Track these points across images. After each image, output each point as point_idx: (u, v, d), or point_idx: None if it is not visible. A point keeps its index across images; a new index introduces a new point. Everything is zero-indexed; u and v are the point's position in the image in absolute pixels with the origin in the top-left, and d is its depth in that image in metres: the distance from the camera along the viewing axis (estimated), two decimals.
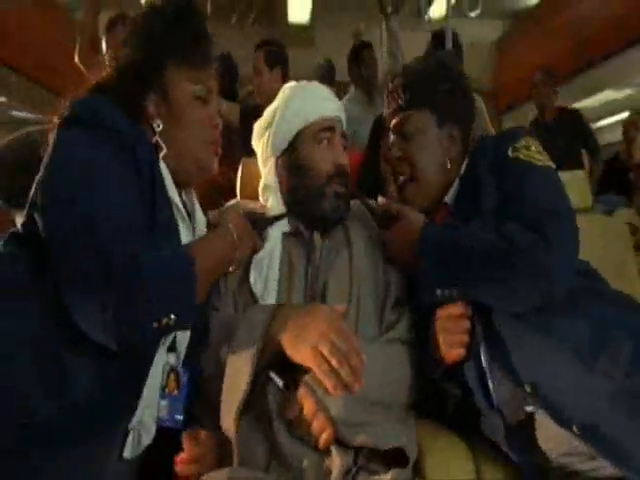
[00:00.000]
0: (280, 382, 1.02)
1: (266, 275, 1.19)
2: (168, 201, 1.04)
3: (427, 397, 1.16)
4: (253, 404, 1.02)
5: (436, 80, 1.28)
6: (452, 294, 1.08)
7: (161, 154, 1.05)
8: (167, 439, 1.03)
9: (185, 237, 1.07)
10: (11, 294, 0.93)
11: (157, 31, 1.05)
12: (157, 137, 1.05)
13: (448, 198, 1.26)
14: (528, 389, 1.03)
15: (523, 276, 1.04)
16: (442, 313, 1.09)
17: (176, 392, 1.03)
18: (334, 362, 0.94)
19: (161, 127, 1.05)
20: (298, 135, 1.29)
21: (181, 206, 1.08)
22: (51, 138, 0.98)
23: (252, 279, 1.18)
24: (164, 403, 1.02)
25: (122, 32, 1.18)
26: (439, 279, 1.08)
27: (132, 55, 1.05)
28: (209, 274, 1.03)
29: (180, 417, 1.03)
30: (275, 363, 1.02)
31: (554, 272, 1.05)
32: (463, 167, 1.29)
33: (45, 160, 0.96)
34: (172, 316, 0.89)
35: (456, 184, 1.27)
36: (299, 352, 0.97)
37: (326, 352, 0.94)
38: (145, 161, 0.98)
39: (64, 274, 0.89)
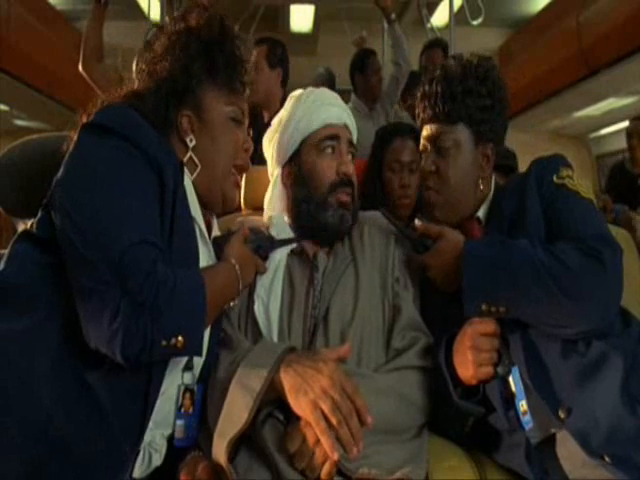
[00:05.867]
0: (281, 415, 0.99)
1: (267, 303, 1.16)
2: (190, 218, 1.03)
3: (442, 417, 1.14)
4: (252, 437, 0.99)
5: (478, 96, 1.23)
6: (499, 310, 1.05)
7: (197, 170, 1.05)
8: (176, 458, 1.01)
9: (204, 257, 1.06)
10: (24, 300, 0.92)
11: (195, 52, 1.06)
12: (191, 152, 1.05)
13: (481, 213, 1.25)
14: (562, 415, 1.01)
15: (579, 299, 1.01)
16: (472, 331, 1.06)
17: (191, 410, 1.02)
18: (333, 421, 0.90)
19: (194, 142, 1.06)
20: (302, 144, 1.27)
21: (203, 226, 1.07)
22: (72, 140, 0.97)
23: (256, 307, 1.16)
24: (180, 423, 1.01)
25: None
26: (485, 293, 1.06)
27: (170, 70, 1.05)
28: (214, 306, 1.01)
29: (196, 435, 1.03)
30: (276, 399, 0.99)
31: (609, 297, 1.03)
32: (492, 184, 1.27)
33: (66, 160, 0.95)
34: (180, 338, 0.88)
35: (488, 201, 1.25)
36: (299, 405, 0.93)
37: (326, 409, 0.91)
38: (169, 177, 0.97)
39: (77, 280, 0.89)
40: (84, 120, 0.99)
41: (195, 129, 1.06)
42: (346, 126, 1.28)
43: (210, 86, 1.07)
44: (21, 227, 1.29)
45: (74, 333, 0.89)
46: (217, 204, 1.13)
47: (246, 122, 1.14)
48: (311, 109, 1.28)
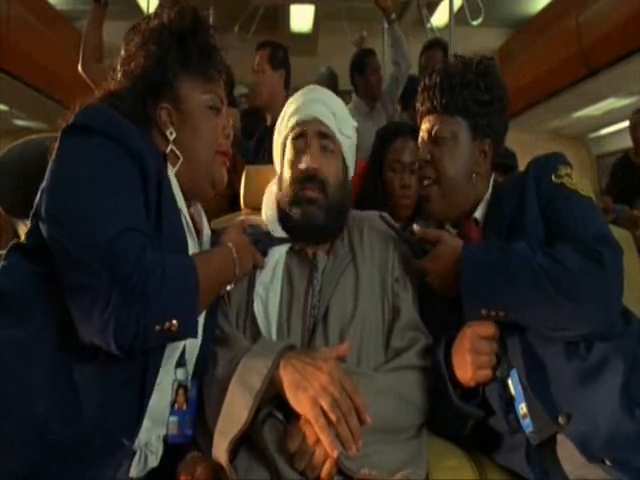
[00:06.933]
0: (280, 415, 1.00)
1: (266, 302, 1.16)
2: (176, 212, 1.03)
3: (441, 419, 1.14)
4: (252, 437, 0.99)
5: (476, 88, 1.24)
6: (498, 315, 1.05)
7: (178, 163, 1.05)
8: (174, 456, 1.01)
9: (191, 249, 1.06)
10: (21, 308, 0.92)
11: (168, 44, 1.06)
12: (172, 145, 1.06)
13: (478, 214, 1.24)
14: (561, 420, 1.00)
15: (578, 300, 1.01)
16: (471, 333, 1.05)
17: (185, 407, 1.02)
18: (333, 418, 0.91)
19: (174, 135, 1.06)
20: (284, 148, 1.28)
21: (189, 219, 1.08)
22: (56, 144, 0.97)
23: (255, 305, 1.16)
24: (174, 419, 1.01)
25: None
26: (484, 299, 1.06)
27: (144, 65, 1.05)
28: (208, 289, 1.01)
29: (190, 432, 1.02)
30: (275, 397, 0.99)
31: (609, 298, 1.02)
32: (491, 183, 1.27)
33: (50, 166, 0.95)
34: (174, 321, 0.88)
35: (486, 200, 1.25)
36: (299, 401, 0.94)
37: (326, 406, 0.91)
38: (152, 169, 0.97)
39: (70, 281, 0.89)
40: (64, 125, 0.99)
41: (174, 121, 1.07)
42: (317, 120, 1.24)
43: (186, 76, 1.08)
44: (21, 227, 1.30)
45: (70, 341, 0.89)
46: (206, 190, 1.13)
47: (224, 109, 1.14)
48: (288, 112, 1.29)
